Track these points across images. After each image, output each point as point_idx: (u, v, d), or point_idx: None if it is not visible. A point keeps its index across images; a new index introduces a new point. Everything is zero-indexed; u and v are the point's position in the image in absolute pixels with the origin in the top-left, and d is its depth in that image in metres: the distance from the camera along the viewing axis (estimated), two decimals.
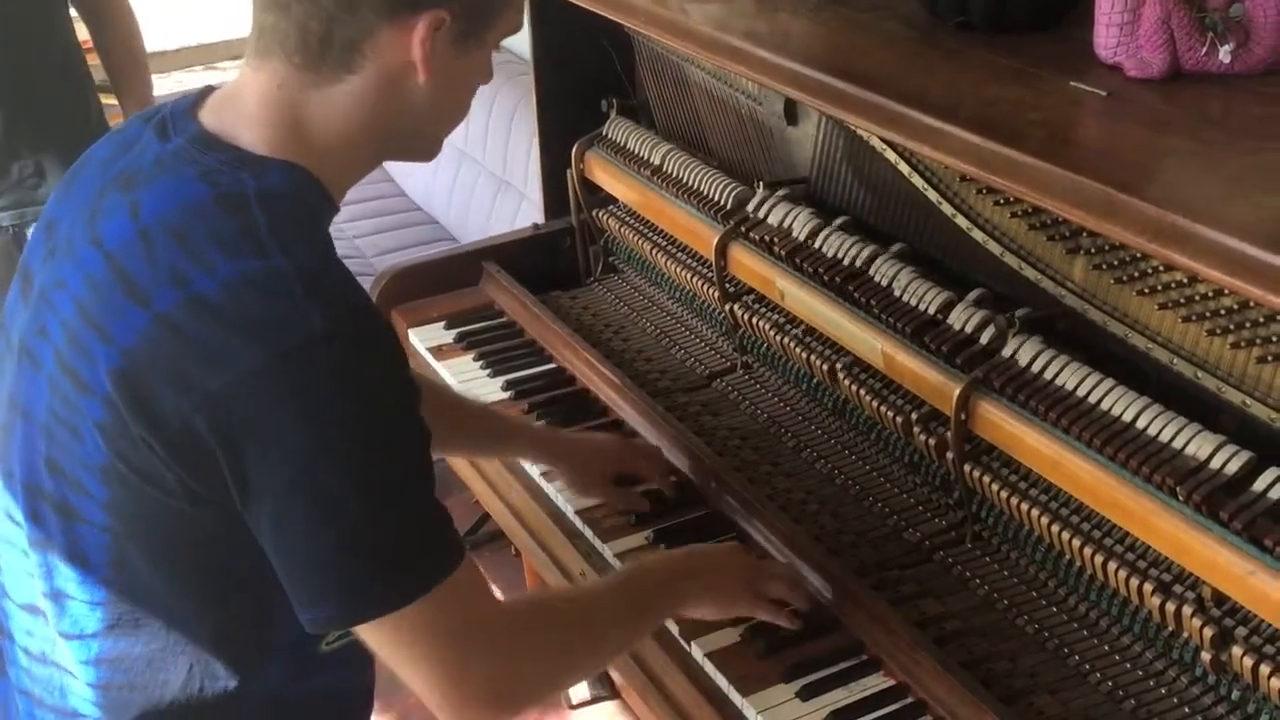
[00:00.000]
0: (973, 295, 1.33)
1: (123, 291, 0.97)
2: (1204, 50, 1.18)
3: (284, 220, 0.97)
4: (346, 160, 1.04)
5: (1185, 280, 1.15)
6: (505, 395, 1.71)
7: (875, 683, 1.21)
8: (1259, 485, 1.05)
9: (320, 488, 0.93)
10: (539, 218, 2.05)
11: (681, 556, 1.30)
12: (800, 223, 1.51)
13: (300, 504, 0.94)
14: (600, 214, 1.91)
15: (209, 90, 1.07)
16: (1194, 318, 1.15)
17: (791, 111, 1.62)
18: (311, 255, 0.97)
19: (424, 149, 1.10)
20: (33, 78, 2.18)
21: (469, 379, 1.75)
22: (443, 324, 1.87)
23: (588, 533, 1.46)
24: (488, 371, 1.76)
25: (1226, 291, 1.10)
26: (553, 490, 1.53)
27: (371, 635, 0.99)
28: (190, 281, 0.94)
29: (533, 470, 1.57)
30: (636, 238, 1.83)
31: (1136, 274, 1.19)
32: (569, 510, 1.49)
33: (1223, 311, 1.12)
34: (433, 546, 0.99)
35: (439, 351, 1.82)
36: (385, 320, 1.00)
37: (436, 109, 1.04)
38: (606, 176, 1.85)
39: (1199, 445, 1.09)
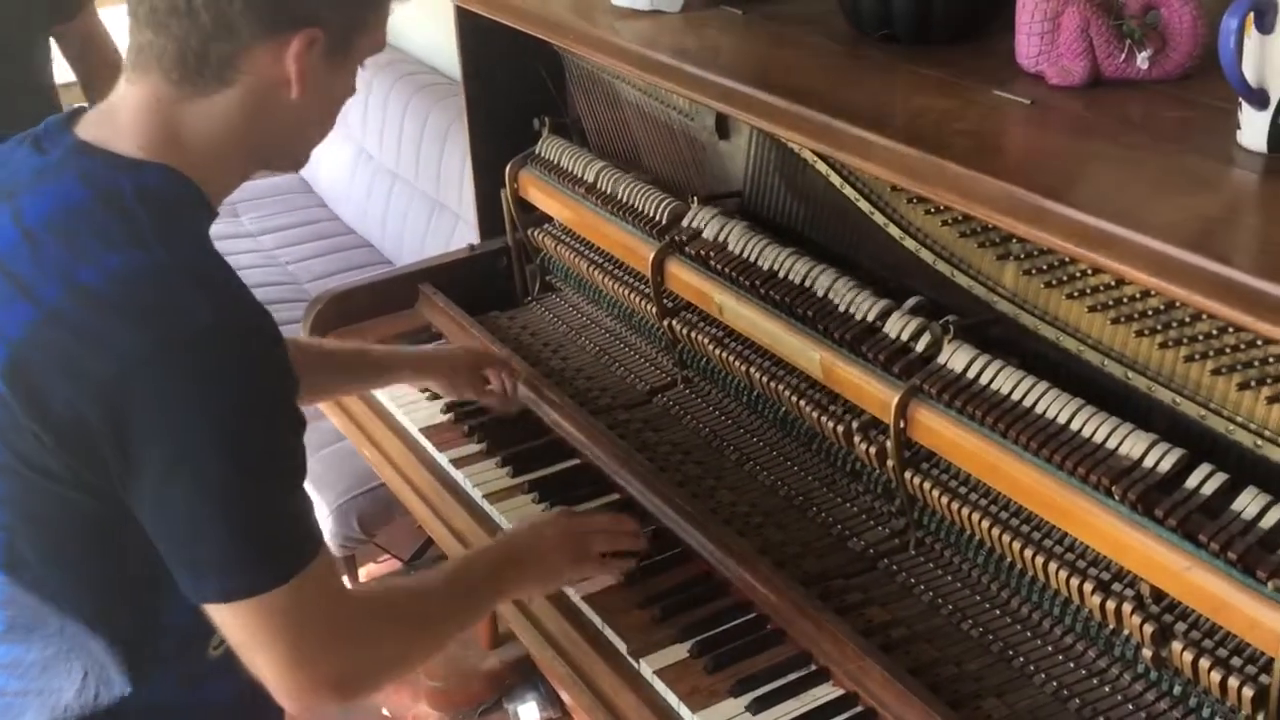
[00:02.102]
0: (908, 304, 1.34)
1: (12, 290, 0.99)
2: (1123, 57, 1.20)
3: (165, 217, 1.00)
4: (220, 168, 1.08)
5: (1113, 283, 1.17)
6: (445, 417, 1.70)
7: (825, 693, 1.21)
8: (1192, 482, 1.07)
9: (203, 469, 0.97)
10: (474, 238, 2.04)
11: (507, 545, 1.34)
12: (735, 236, 1.52)
13: (183, 484, 0.97)
14: (536, 233, 1.91)
15: (81, 109, 1.10)
16: (1122, 319, 1.17)
17: (723, 126, 1.63)
18: (194, 251, 1.02)
19: (292, 160, 1.16)
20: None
21: (407, 402, 1.73)
22: None
23: None
24: (426, 394, 1.74)
25: (1153, 293, 1.12)
26: (495, 512, 1.52)
27: (232, 615, 1.02)
28: (75, 275, 0.97)
29: (474, 492, 1.55)
30: (573, 256, 1.83)
31: (1065, 278, 1.21)
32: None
33: (1150, 312, 1.14)
34: (303, 532, 1.05)
35: None
36: (268, 313, 1.05)
37: (306, 122, 1.09)
38: (541, 195, 1.85)
39: (1132, 444, 1.11)
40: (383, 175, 2.99)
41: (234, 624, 1.03)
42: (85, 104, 1.10)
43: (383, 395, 1.75)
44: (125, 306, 0.96)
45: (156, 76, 1.03)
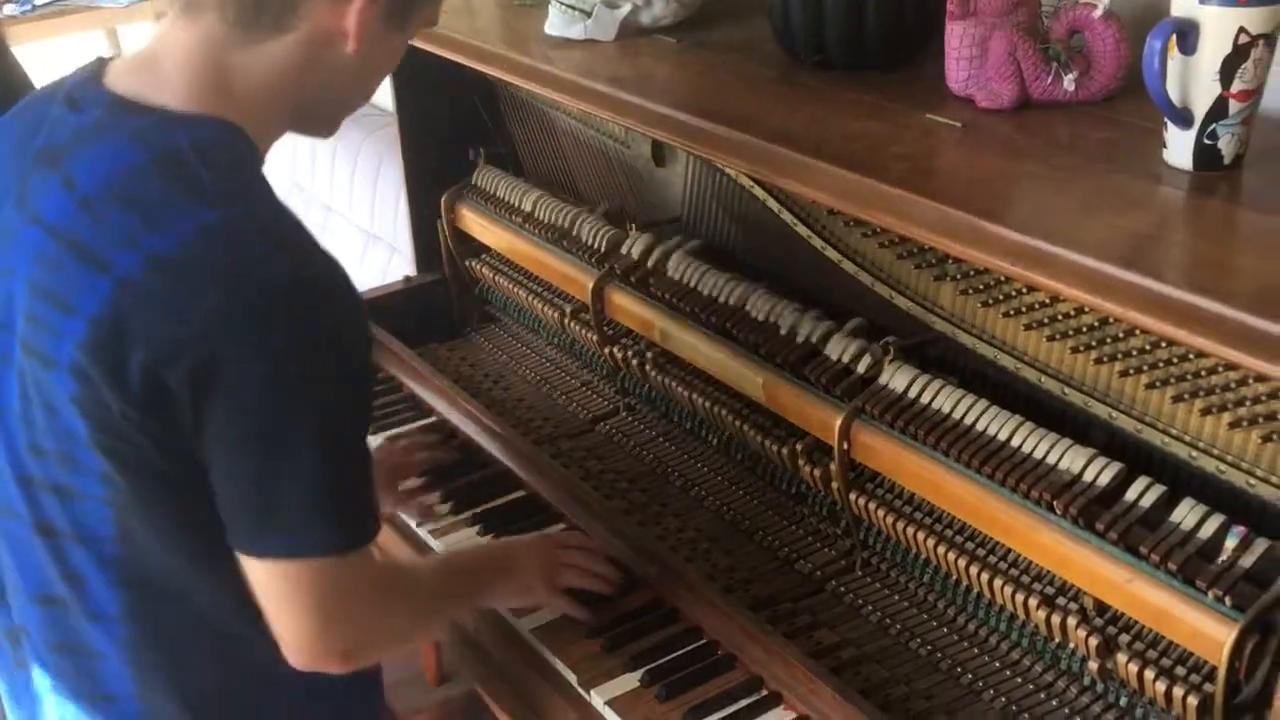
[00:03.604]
0: (848, 325, 1.35)
1: (77, 261, 0.97)
2: (1050, 80, 1.23)
3: (226, 172, 0.98)
4: (265, 119, 1.06)
5: (1048, 301, 1.19)
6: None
7: (777, 717, 1.21)
8: (1131, 495, 1.09)
9: (279, 430, 0.96)
10: (410, 270, 2.03)
11: (488, 549, 1.39)
12: (675, 262, 1.52)
13: (257, 445, 0.96)
14: (473, 263, 1.90)
15: (104, 61, 1.07)
16: (1058, 336, 1.19)
17: (659, 153, 1.63)
18: (261, 204, 1.00)
19: (327, 122, 1.14)
20: None
21: None
22: None
23: None
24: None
25: (1087, 310, 1.14)
26: (440, 546, 1.50)
27: (279, 572, 1.01)
28: (145, 243, 0.95)
29: (419, 528, 1.53)
30: (512, 285, 1.82)
31: (1001, 297, 1.23)
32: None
33: (1084, 329, 1.16)
34: (365, 508, 1.04)
35: None
36: (343, 270, 1.02)
37: (353, 82, 1.09)
38: (478, 225, 1.84)
39: (1072, 459, 1.13)
40: (315, 208, 2.96)
41: (274, 581, 1.01)
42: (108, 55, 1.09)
43: None
44: (198, 269, 0.94)
45: (212, 17, 1.00)
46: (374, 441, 1.61)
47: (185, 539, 1.04)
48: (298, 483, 0.97)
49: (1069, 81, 1.23)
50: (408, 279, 2.00)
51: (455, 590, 1.27)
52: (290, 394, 0.95)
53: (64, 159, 1.00)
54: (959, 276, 1.27)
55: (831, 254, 1.40)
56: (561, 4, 1.55)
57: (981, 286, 1.25)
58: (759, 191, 1.47)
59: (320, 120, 1.13)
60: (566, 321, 1.69)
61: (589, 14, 1.54)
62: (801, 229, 1.43)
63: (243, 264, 0.94)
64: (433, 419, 1.73)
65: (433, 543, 1.51)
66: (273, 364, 0.94)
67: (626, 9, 1.54)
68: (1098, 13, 1.20)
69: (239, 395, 0.95)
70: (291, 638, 1.04)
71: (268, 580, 1.02)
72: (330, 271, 0.99)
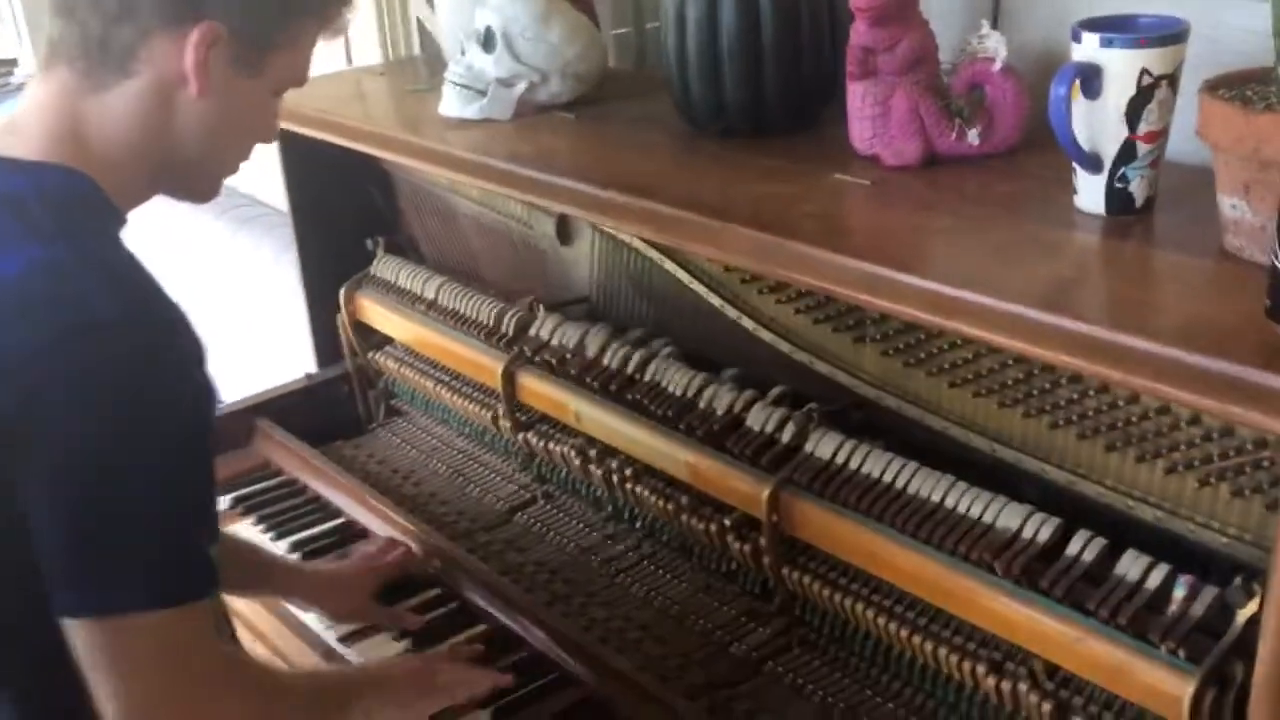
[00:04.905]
0: (770, 395, 1.32)
1: None
2: (954, 135, 1.22)
3: (67, 215, 0.98)
4: (124, 172, 1.03)
5: (971, 356, 1.16)
6: (294, 557, 1.58)
7: None
8: (1072, 549, 1.05)
9: (91, 474, 0.92)
10: (311, 367, 1.95)
11: (360, 667, 1.34)
12: (587, 342, 1.47)
13: (68, 486, 0.92)
14: (377, 356, 1.83)
15: None
16: (983, 392, 1.16)
17: (564, 231, 1.60)
18: (98, 246, 0.98)
19: (200, 184, 1.10)
20: None
21: (244, 538, 1.61)
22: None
23: None
24: (271, 535, 1.63)
25: (1012, 362, 1.12)
26: (352, 654, 1.40)
27: (99, 633, 0.94)
28: None
29: (327, 635, 1.44)
30: (418, 376, 1.75)
31: (924, 355, 1.20)
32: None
33: (1010, 383, 1.14)
34: (190, 563, 0.97)
35: None
36: (184, 317, 0.98)
37: (211, 134, 1.05)
38: (380, 316, 1.78)
39: (1008, 517, 1.09)
40: (211, 310, 2.87)
41: (96, 644, 0.94)
42: None
43: None
44: (21, 301, 0.93)
45: (63, 67, 1.01)
46: (345, 569, 1.50)
47: (20, 604, 0.97)
48: (118, 530, 0.92)
49: (973, 135, 1.22)
50: (309, 376, 1.92)
51: (319, 697, 1.17)
52: (107, 432, 0.91)
53: None
54: (879, 338, 1.24)
55: (747, 323, 1.37)
56: (456, 83, 1.52)
57: (903, 346, 1.22)
58: (669, 264, 1.43)
59: (187, 179, 1.10)
60: (477, 409, 1.63)
61: (484, 93, 1.50)
62: (715, 299, 1.39)
63: (69, 296, 0.93)
64: (341, 520, 1.64)
65: (344, 650, 1.41)
66: (89, 399, 0.91)
67: (523, 86, 1.51)
68: (996, 66, 1.20)
69: (57, 429, 0.91)
70: (112, 711, 0.95)
71: (90, 644, 0.94)
72: (164, 314, 0.97)
